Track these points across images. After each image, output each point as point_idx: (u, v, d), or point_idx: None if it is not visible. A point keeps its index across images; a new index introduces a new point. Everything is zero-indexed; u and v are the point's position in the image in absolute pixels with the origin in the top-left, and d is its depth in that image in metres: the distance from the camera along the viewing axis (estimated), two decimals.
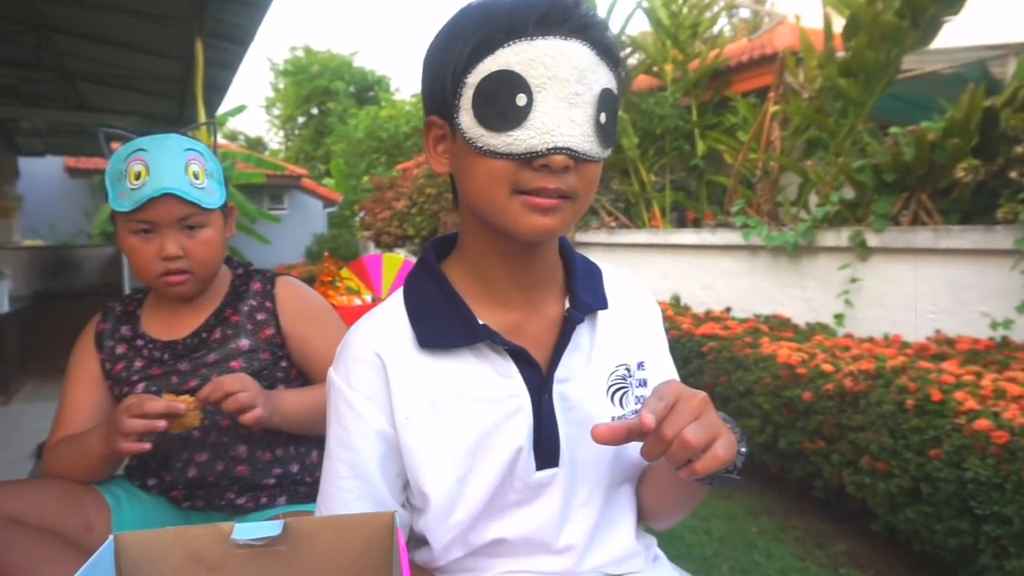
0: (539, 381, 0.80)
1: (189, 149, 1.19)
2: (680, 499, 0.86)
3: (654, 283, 5.50)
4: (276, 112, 27.72)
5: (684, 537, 2.88)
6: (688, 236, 5.18)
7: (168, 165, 1.15)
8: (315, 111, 25.37)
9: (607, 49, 0.73)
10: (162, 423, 1.03)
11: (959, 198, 3.40)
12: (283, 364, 1.29)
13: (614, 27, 6.13)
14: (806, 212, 4.34)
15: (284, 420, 1.17)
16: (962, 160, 3.20)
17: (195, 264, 1.21)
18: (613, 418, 0.83)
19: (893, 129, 3.54)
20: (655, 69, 6.37)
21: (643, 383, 0.87)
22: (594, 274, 0.88)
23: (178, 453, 1.23)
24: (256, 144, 28.30)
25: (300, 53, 25.88)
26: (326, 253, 3.11)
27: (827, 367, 2.84)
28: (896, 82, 4.20)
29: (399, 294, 0.84)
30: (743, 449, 0.72)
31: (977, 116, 3.15)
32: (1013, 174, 2.89)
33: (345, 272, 3.19)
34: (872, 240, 3.66)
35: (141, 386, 1.23)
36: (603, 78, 0.72)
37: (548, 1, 0.71)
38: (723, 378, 3.34)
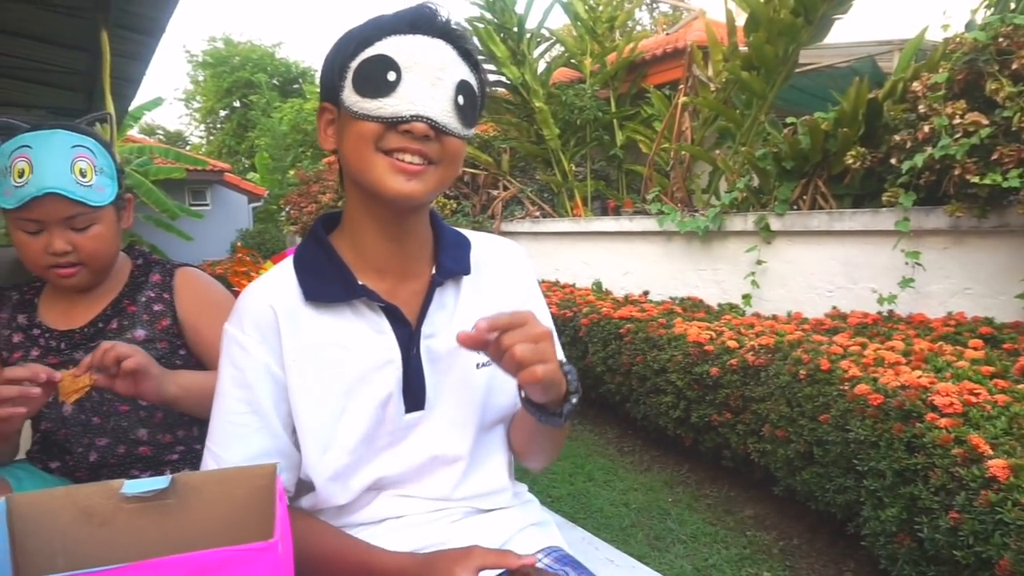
0: (408, 336, 0.91)
1: (77, 146, 1.17)
2: (535, 438, 0.98)
3: (577, 269, 5.65)
4: (196, 105, 26.79)
5: (604, 510, 3.02)
6: (608, 223, 5.34)
7: (53, 163, 1.13)
8: (237, 104, 24.63)
9: (466, 52, 0.87)
10: (36, 389, 1.02)
11: (850, 183, 3.64)
12: (182, 353, 1.31)
13: (533, 20, 6.25)
14: (716, 198, 4.55)
15: (180, 390, 1.16)
16: (851, 148, 3.43)
17: (86, 257, 1.21)
18: (478, 364, 0.95)
19: (790, 119, 3.76)
20: (574, 62, 6.51)
21: None
22: (461, 244, 1.00)
23: (78, 438, 1.25)
24: (176, 138, 27.31)
25: (220, 44, 25.08)
26: (238, 244, 3.13)
27: (732, 343, 3.02)
28: (796, 75, 4.45)
29: (290, 259, 0.94)
30: (574, 400, 0.84)
31: (863, 107, 3.38)
32: (894, 161, 3.13)
33: (268, 265, 3.19)
34: (775, 224, 3.89)
35: None
36: (462, 72, 0.86)
37: (420, 11, 0.86)
38: (639, 358, 3.49)
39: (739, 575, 2.49)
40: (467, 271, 0.97)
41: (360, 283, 0.90)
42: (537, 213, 6.38)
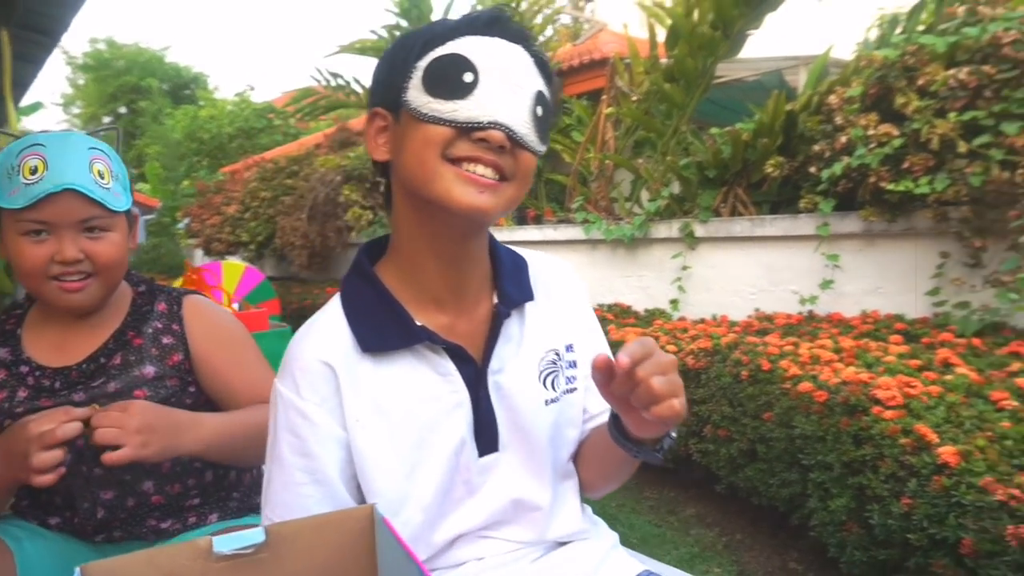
0: (475, 375, 0.85)
1: (93, 148, 1.08)
2: (614, 471, 0.94)
3: None
4: (76, 111, 25.11)
5: None
6: (532, 232, 5.39)
7: (70, 161, 1.04)
8: (123, 110, 23.26)
9: (542, 62, 0.81)
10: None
11: (768, 191, 3.83)
12: (191, 390, 1.18)
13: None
14: (639, 207, 4.68)
15: (202, 447, 1.05)
16: (770, 157, 3.61)
17: (100, 267, 1.08)
18: (546, 401, 0.89)
19: (713, 130, 3.92)
20: None
21: (572, 364, 0.93)
22: (520, 267, 0.93)
23: (82, 492, 1.10)
24: None
25: (102, 46, 23.62)
26: (187, 261, 2.94)
27: (671, 348, 3.10)
28: (709, 87, 4.65)
29: (336, 301, 0.86)
30: (673, 434, 0.81)
31: (781, 119, 3.57)
32: (812, 169, 3.32)
33: (180, 282, 3.04)
34: (699, 231, 4.03)
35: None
36: (538, 83, 0.80)
37: (497, 13, 0.80)
38: None
39: (692, 573, 2.55)
40: (530, 297, 0.91)
41: (419, 324, 0.82)
42: None
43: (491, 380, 0.86)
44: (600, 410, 0.96)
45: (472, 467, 0.85)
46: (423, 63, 0.76)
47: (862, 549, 2.00)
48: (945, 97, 2.77)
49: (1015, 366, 2.15)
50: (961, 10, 3.03)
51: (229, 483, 1.22)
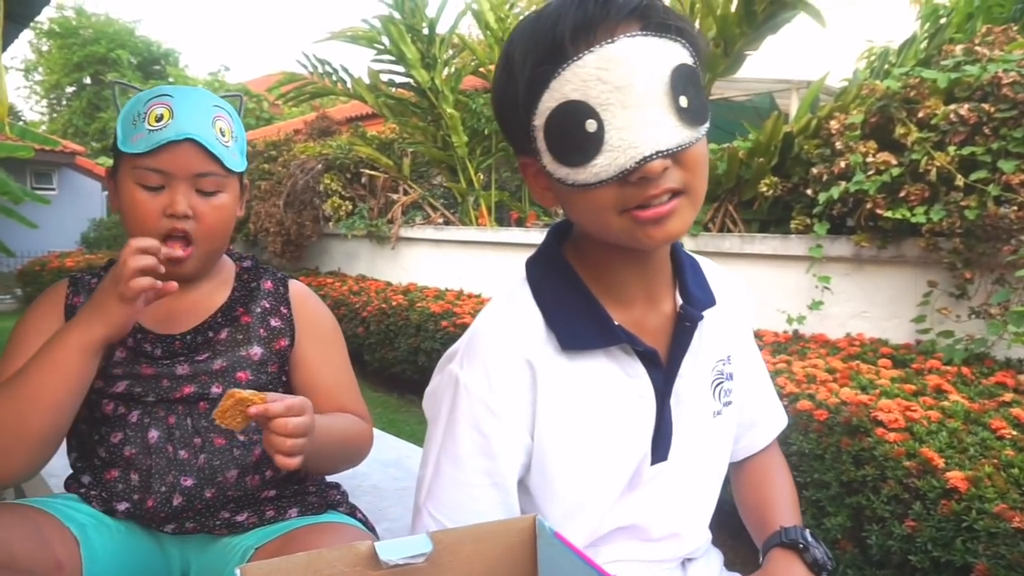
0: (662, 381, 0.81)
1: (218, 105, 1.07)
2: None
3: (481, 280, 5.63)
4: (38, 78, 24.26)
5: None
6: (516, 235, 5.37)
7: (194, 113, 1.03)
8: (88, 80, 22.54)
9: (663, 26, 0.67)
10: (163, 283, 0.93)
11: (759, 210, 3.89)
12: (284, 380, 1.13)
13: (444, 26, 6.19)
14: None
15: (313, 450, 0.94)
16: (765, 177, 3.66)
17: (203, 232, 1.04)
18: (714, 413, 0.87)
19: (711, 146, 3.97)
20: (482, 70, 6.51)
21: (730, 376, 0.91)
22: (696, 268, 0.89)
23: (162, 475, 1.03)
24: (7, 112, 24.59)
25: (70, 13, 22.89)
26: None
27: None
28: None
29: (525, 290, 0.81)
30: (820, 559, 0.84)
31: (778, 140, 3.62)
32: (809, 191, 3.37)
33: None
34: (688, 244, 4.07)
35: (123, 384, 1.03)
36: (670, 57, 0.67)
37: (576, 9, 0.67)
38: None
39: None
40: (713, 302, 0.86)
41: (616, 324, 0.78)
42: (439, 220, 6.31)
43: (674, 386, 0.83)
44: (759, 420, 1.00)
45: (644, 474, 0.82)
46: (538, 122, 0.69)
47: (856, 568, 2.03)
48: (945, 131, 2.84)
49: (1007, 396, 2.21)
50: (959, 48, 3.12)
51: (299, 476, 1.18)
